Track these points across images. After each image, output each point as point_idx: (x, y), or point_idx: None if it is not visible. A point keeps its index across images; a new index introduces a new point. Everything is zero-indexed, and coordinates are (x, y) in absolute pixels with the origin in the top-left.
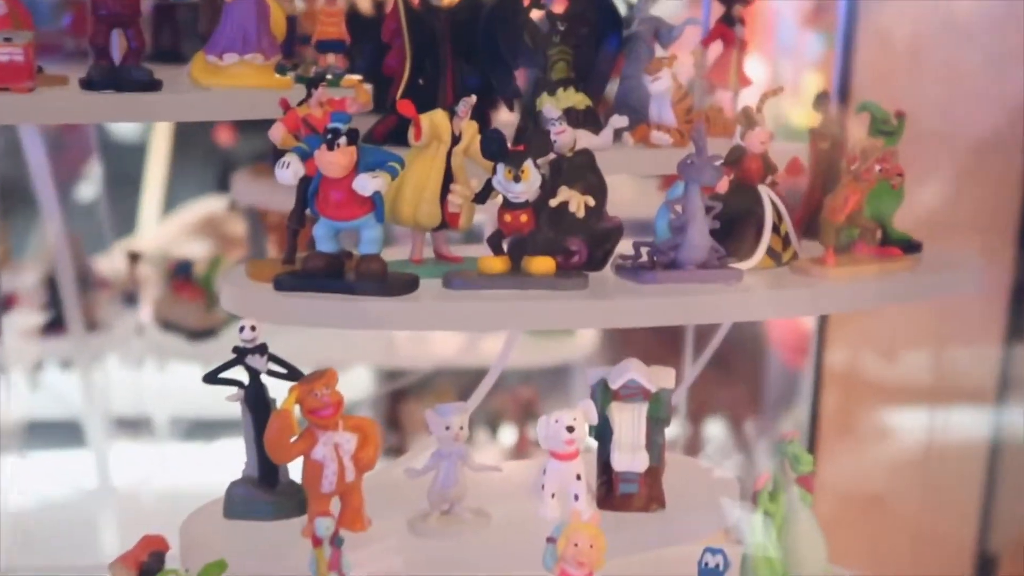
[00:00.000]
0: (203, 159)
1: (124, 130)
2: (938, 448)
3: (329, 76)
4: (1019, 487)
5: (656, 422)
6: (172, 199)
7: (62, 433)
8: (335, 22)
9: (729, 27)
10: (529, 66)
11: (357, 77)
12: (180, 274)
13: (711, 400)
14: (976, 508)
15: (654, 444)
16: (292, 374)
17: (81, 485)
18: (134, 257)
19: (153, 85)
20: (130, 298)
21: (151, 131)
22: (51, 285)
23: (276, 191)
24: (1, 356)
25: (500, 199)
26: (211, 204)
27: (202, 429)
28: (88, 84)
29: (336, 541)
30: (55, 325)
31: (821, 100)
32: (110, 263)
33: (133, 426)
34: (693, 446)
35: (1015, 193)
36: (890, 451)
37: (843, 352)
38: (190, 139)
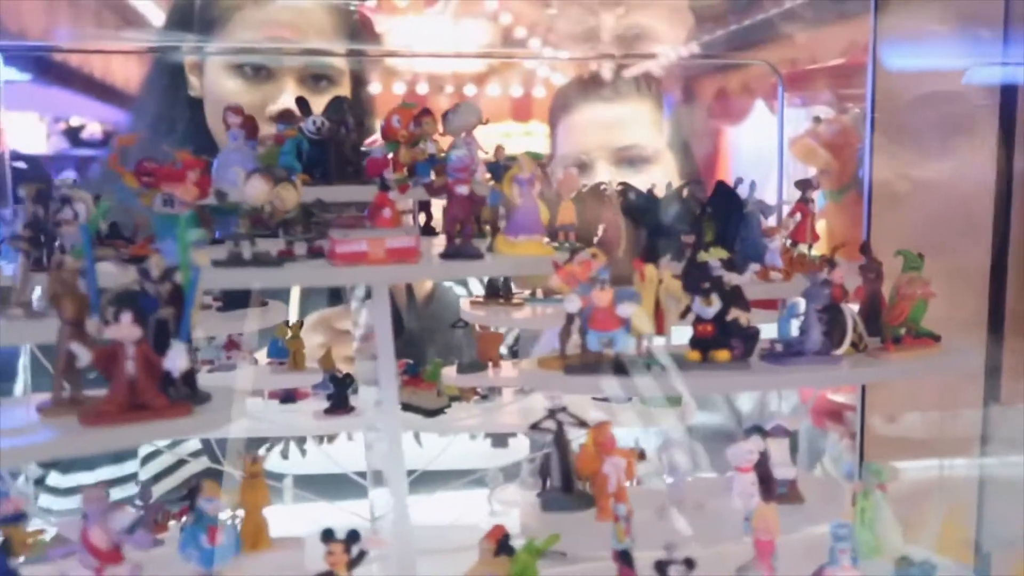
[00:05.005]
0: None
1: None
2: (940, 485)
3: (578, 246)
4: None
5: (792, 452)
6: None
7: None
8: (570, 213)
9: (805, 204)
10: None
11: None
12: (408, 373)
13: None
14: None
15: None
16: (581, 424)
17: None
18: None
19: (480, 255)
20: None
21: None
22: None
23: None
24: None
25: (693, 316)
26: None
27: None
28: (446, 256)
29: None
30: (335, 408)
31: (866, 249)
32: None
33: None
34: None
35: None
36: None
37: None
38: None
